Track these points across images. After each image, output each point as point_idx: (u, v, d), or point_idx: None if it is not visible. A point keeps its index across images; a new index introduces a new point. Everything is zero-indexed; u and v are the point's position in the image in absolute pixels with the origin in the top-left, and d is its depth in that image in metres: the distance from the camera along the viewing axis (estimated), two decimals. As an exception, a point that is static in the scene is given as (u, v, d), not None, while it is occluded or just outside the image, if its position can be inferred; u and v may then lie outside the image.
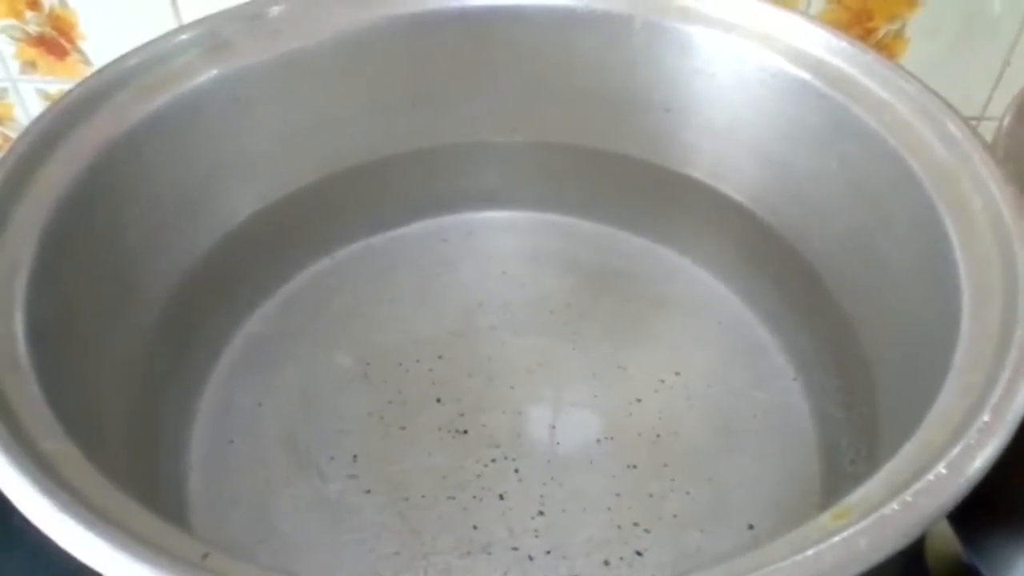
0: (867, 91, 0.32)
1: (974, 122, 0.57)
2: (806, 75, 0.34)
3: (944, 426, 0.24)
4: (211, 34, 0.35)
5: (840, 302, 0.34)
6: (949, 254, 0.27)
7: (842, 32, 0.54)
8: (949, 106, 0.30)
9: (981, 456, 0.23)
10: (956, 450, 0.23)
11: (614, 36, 0.38)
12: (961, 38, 0.54)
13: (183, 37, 0.34)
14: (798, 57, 0.34)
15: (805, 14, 0.39)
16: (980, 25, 0.53)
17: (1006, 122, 0.31)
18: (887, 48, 0.55)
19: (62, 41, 0.54)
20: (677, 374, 0.38)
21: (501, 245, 0.44)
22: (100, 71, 0.33)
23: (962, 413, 0.24)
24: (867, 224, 0.32)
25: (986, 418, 0.23)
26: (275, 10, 0.37)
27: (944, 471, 0.22)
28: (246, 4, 0.37)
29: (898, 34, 0.54)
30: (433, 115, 0.42)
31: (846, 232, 0.34)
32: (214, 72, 0.34)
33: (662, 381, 0.38)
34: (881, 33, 0.54)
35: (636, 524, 0.33)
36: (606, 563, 0.32)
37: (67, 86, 0.35)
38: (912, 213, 0.29)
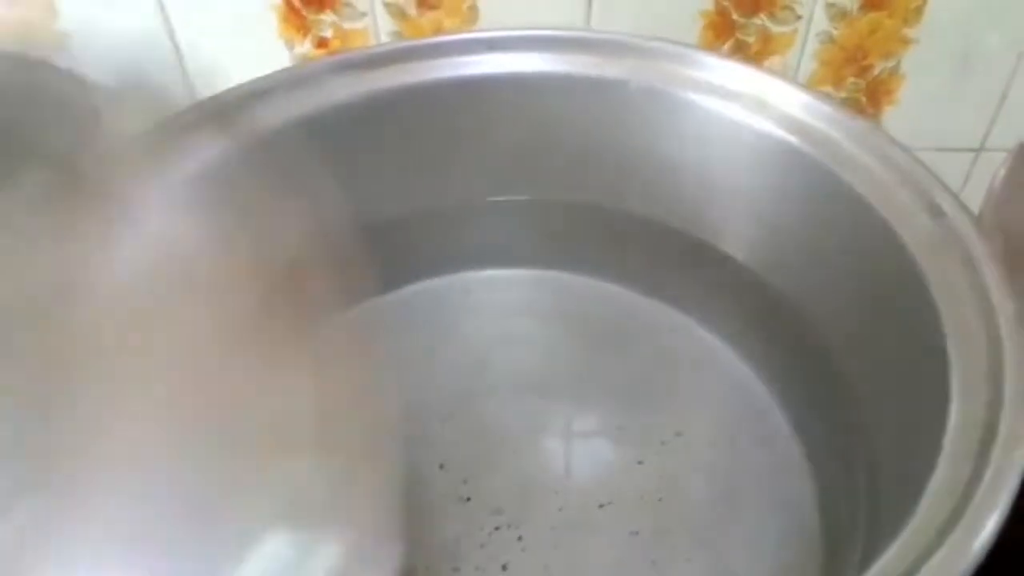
0: (854, 158, 0.32)
1: (973, 154, 0.57)
2: (796, 141, 0.34)
3: (939, 509, 0.24)
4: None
5: (839, 365, 0.34)
6: (938, 329, 0.27)
7: (832, 91, 0.55)
8: (936, 176, 0.30)
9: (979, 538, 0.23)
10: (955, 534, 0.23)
11: (611, 100, 0.39)
12: (957, 73, 0.54)
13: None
14: (789, 123, 0.34)
15: (795, 82, 0.39)
16: (976, 60, 0.53)
17: (997, 185, 0.31)
18: (884, 85, 0.55)
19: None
20: (679, 434, 0.38)
21: (501, 304, 0.44)
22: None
23: (956, 498, 0.24)
24: (861, 291, 0.32)
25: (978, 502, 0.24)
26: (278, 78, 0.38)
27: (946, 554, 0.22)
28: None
29: (894, 71, 0.54)
30: (432, 177, 0.43)
31: (843, 296, 0.34)
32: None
33: (663, 443, 0.38)
34: (877, 70, 0.54)
35: (639, 593, 0.34)
36: (610, 632, 0.33)
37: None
38: (902, 284, 0.29)
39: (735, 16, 0.52)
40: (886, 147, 0.31)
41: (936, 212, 0.29)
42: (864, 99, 0.55)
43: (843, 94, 0.55)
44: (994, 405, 0.24)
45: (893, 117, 0.56)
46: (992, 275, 0.26)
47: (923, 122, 0.56)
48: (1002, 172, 0.32)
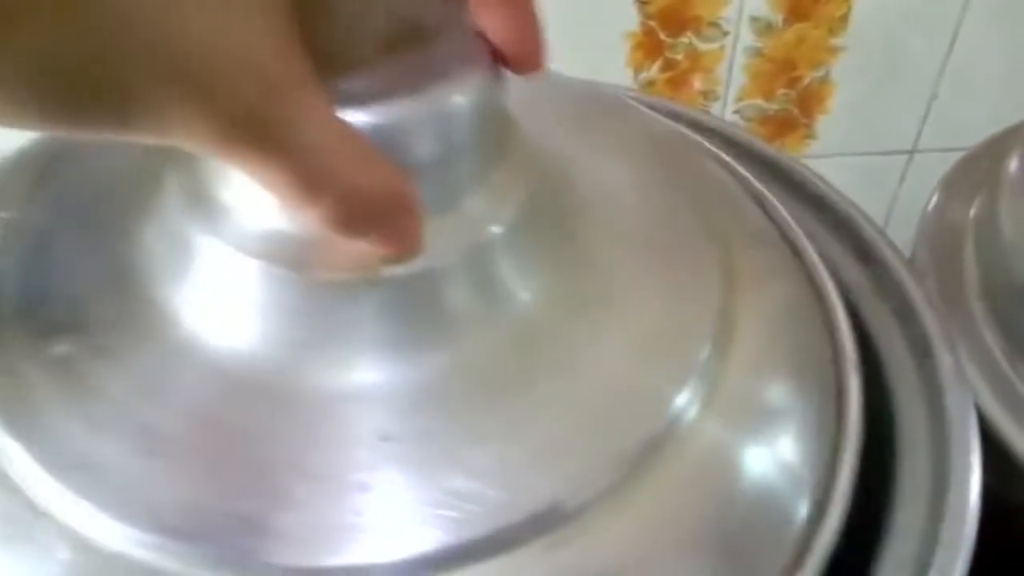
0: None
1: (907, 156, 0.58)
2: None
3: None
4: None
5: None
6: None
7: (764, 103, 0.55)
8: (868, 218, 0.30)
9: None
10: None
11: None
12: (886, 78, 0.54)
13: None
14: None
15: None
16: (903, 64, 0.53)
17: (927, 218, 0.31)
18: (815, 94, 0.55)
19: None
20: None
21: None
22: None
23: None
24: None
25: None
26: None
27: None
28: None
29: (823, 80, 0.54)
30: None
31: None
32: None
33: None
34: (807, 80, 0.54)
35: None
36: None
37: None
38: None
39: (662, 36, 0.51)
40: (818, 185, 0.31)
41: (868, 258, 0.28)
42: (796, 110, 0.55)
43: (775, 106, 0.55)
44: (940, 461, 0.24)
45: (826, 125, 0.56)
46: (928, 319, 0.26)
47: (856, 128, 0.56)
48: (932, 204, 0.32)
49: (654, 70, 0.53)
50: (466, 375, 0.20)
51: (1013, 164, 0.30)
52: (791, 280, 0.27)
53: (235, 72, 0.13)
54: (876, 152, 0.57)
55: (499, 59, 0.19)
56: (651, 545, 0.20)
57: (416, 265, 0.19)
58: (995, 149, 0.34)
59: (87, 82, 0.12)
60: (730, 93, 0.55)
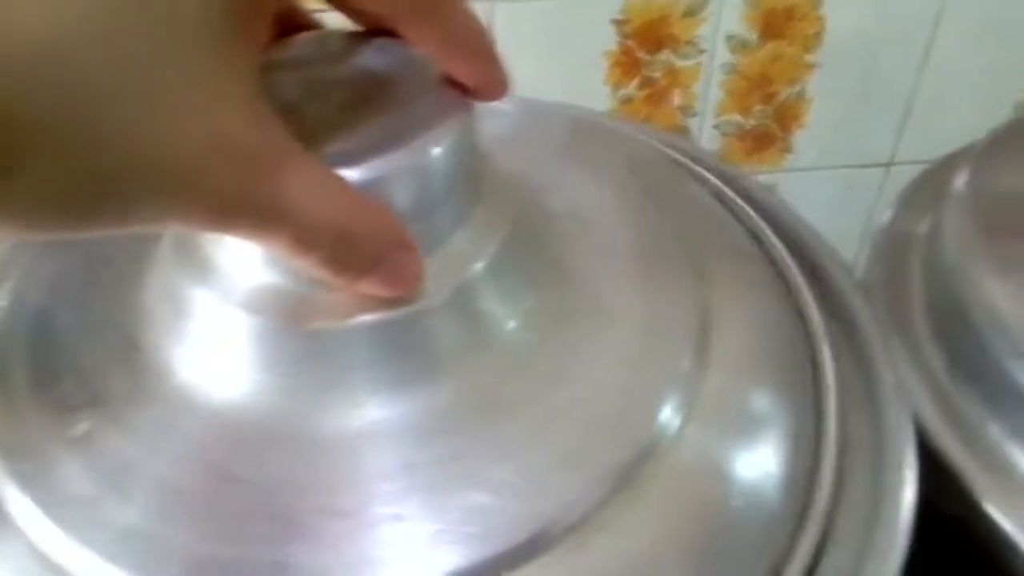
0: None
1: (884, 168, 0.58)
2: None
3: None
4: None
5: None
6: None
7: (742, 119, 0.56)
8: (817, 236, 0.31)
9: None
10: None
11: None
12: (861, 93, 0.55)
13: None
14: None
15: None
16: (877, 80, 0.54)
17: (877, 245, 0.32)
18: (791, 110, 0.56)
19: None
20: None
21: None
22: None
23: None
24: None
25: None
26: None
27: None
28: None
29: (799, 96, 0.55)
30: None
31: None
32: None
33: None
34: (783, 96, 0.55)
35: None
36: None
37: None
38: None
39: (639, 54, 0.53)
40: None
41: (817, 276, 0.29)
42: (773, 124, 0.56)
43: (753, 121, 0.56)
44: (877, 474, 0.25)
45: (803, 140, 0.57)
46: (874, 341, 0.27)
47: (833, 142, 0.57)
48: (886, 218, 0.33)
49: (632, 88, 0.54)
50: (463, 402, 0.21)
51: (960, 182, 0.31)
52: (770, 293, 0.28)
53: (220, 160, 0.15)
54: (853, 165, 0.58)
55: (467, 94, 0.21)
56: (643, 556, 0.21)
57: (407, 307, 0.20)
58: (951, 165, 0.35)
59: (89, 197, 0.14)
60: (708, 109, 0.56)
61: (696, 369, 0.23)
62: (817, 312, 0.28)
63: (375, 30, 0.20)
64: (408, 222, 0.19)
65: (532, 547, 0.19)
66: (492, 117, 0.23)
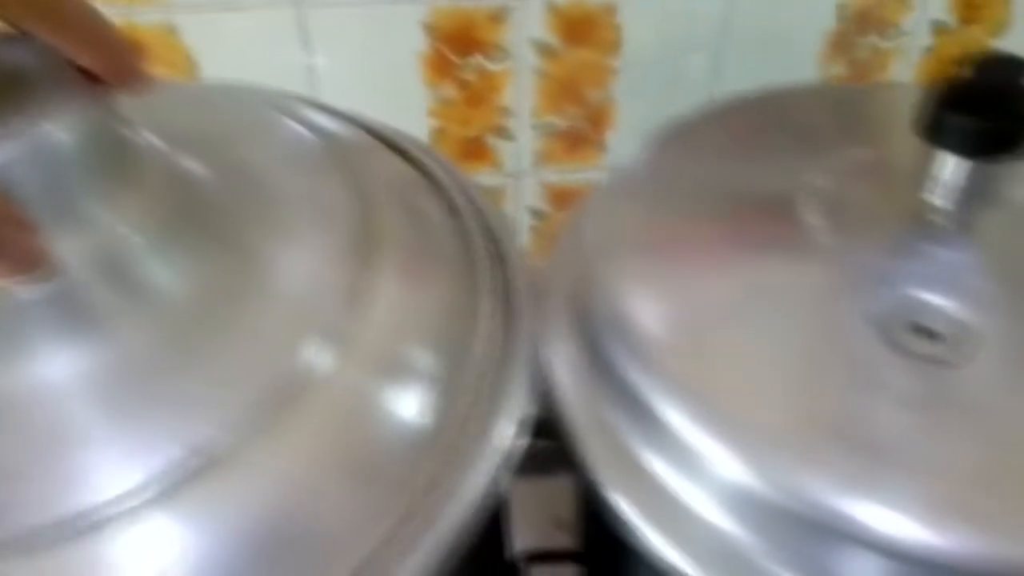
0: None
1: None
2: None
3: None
4: None
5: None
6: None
7: (558, 120, 0.59)
8: (506, 224, 0.34)
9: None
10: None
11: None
12: (665, 94, 0.59)
13: None
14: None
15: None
16: (679, 80, 0.58)
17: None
18: (601, 112, 0.59)
19: None
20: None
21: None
22: None
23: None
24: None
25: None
26: None
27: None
28: None
29: (607, 99, 0.59)
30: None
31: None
32: None
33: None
34: (593, 99, 0.59)
35: None
36: None
37: None
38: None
39: (452, 57, 0.56)
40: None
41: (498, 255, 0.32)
42: (587, 126, 0.60)
43: (568, 122, 0.60)
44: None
45: (616, 140, 0.61)
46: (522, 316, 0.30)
47: (642, 140, 0.61)
48: (587, 207, 0.36)
49: (451, 89, 0.57)
50: (131, 358, 0.24)
51: (612, 182, 0.34)
52: (443, 264, 0.31)
53: None
54: (665, 165, 0.62)
55: (102, 84, 0.23)
56: (293, 480, 0.24)
57: (56, 281, 0.23)
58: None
59: None
60: (525, 111, 0.59)
61: (351, 323, 0.26)
62: (488, 285, 0.31)
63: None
64: (33, 203, 0.22)
65: (197, 469, 0.22)
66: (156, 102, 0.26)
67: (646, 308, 0.28)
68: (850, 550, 0.24)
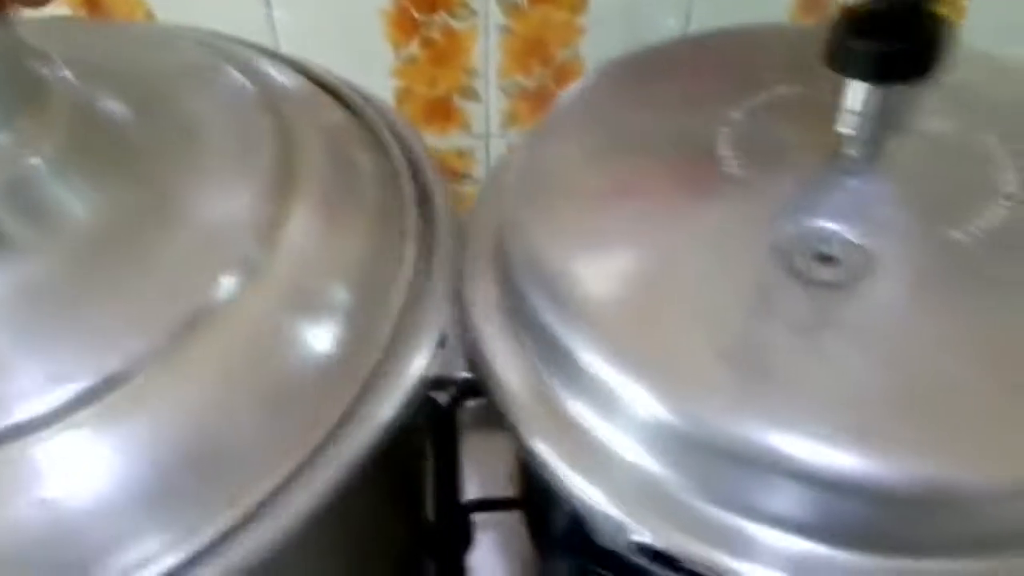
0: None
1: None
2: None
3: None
4: None
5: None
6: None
7: (523, 79, 0.59)
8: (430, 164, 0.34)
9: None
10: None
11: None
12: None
13: None
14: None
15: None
16: (650, 42, 0.58)
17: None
18: (567, 70, 0.59)
19: None
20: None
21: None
22: None
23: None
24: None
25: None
26: None
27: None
28: None
29: (574, 57, 0.58)
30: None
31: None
32: None
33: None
34: (559, 58, 0.58)
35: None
36: None
37: None
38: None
39: (415, 15, 0.55)
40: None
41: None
42: (553, 85, 0.60)
43: (534, 82, 0.59)
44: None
45: (584, 100, 0.60)
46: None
47: (612, 103, 0.61)
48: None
49: (414, 48, 0.57)
50: (40, 286, 0.25)
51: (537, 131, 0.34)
52: (366, 195, 0.31)
53: None
54: (634, 126, 0.61)
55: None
56: (203, 406, 0.24)
57: None
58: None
59: None
60: (491, 70, 0.59)
61: (263, 256, 0.27)
62: (415, 230, 0.31)
63: None
64: None
65: (107, 387, 0.23)
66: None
67: (559, 250, 0.28)
68: (755, 475, 0.24)
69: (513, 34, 0.57)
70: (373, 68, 0.58)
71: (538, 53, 0.58)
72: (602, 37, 0.58)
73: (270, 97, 0.31)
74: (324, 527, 0.26)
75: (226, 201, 0.28)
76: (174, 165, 0.28)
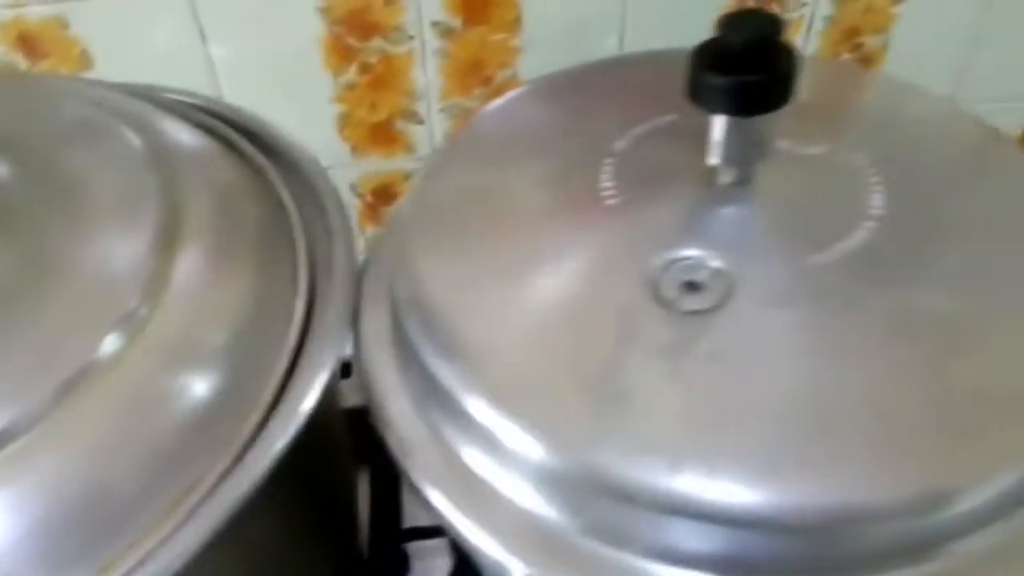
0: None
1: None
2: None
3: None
4: None
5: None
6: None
7: (463, 101, 0.59)
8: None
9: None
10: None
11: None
12: (571, 74, 0.59)
13: None
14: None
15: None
16: (584, 58, 0.58)
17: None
18: (509, 89, 0.59)
19: None
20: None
21: None
22: None
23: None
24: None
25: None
26: None
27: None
28: None
29: (513, 78, 0.59)
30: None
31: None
32: None
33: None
34: (499, 79, 0.59)
35: None
36: None
37: None
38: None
39: (351, 41, 0.56)
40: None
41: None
42: (495, 106, 0.60)
43: (476, 103, 0.60)
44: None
45: (526, 120, 0.61)
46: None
47: (555, 121, 0.61)
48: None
49: (352, 73, 0.57)
50: None
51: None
52: (255, 240, 0.32)
53: None
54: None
55: None
56: (90, 459, 0.25)
57: None
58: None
59: None
60: (432, 93, 0.59)
61: (145, 310, 0.27)
62: (307, 267, 0.31)
63: None
64: None
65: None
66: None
67: (439, 288, 0.28)
68: (630, 509, 0.24)
69: (450, 56, 0.57)
70: (314, 96, 0.58)
71: (477, 74, 0.58)
72: (540, 58, 0.58)
73: (159, 154, 0.32)
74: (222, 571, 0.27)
75: (109, 258, 0.28)
76: (57, 224, 0.29)
